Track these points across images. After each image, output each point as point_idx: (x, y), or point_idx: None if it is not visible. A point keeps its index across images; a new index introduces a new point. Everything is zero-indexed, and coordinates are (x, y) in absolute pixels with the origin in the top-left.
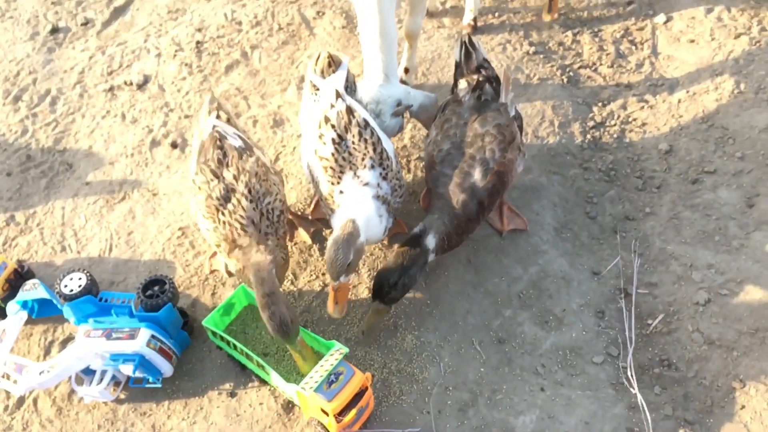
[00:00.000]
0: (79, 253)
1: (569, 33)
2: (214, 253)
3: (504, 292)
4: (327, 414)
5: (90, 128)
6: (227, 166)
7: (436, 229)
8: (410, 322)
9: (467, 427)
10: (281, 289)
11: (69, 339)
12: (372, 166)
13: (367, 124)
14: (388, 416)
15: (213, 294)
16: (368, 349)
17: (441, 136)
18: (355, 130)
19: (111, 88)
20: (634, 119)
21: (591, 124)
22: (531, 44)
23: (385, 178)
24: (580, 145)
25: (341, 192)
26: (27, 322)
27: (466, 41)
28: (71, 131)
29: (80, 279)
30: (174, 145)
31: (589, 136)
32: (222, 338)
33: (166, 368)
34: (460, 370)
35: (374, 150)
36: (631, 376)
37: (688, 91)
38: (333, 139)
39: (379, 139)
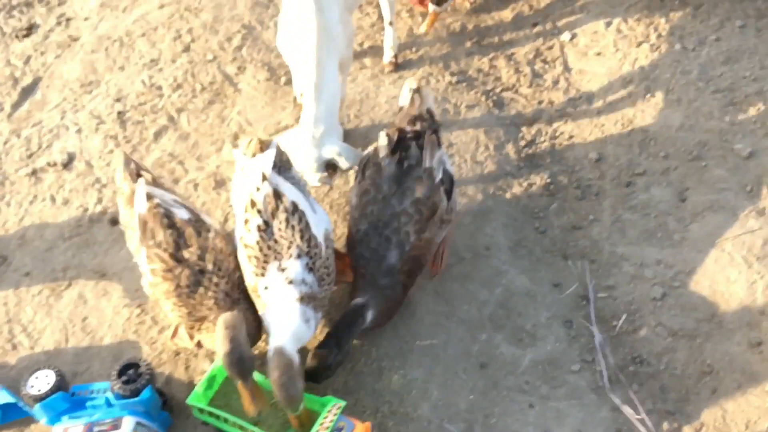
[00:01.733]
0: (33, 349)
1: (485, 59)
2: (175, 332)
3: (475, 317)
4: None
5: (18, 216)
6: (186, 246)
7: (374, 304)
8: (393, 362)
9: None
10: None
11: None
12: (299, 255)
13: (295, 208)
14: None
15: (187, 368)
16: (358, 397)
17: (359, 213)
18: (282, 215)
19: (34, 172)
20: (561, 133)
21: (523, 143)
22: (452, 74)
23: (311, 269)
24: (516, 164)
25: (266, 288)
26: None
27: (414, 87)
28: None
29: (47, 376)
30: (113, 222)
31: (523, 155)
32: (210, 414)
33: None
34: (451, 401)
35: (301, 237)
36: (607, 378)
37: (604, 101)
38: (258, 226)
39: (307, 224)
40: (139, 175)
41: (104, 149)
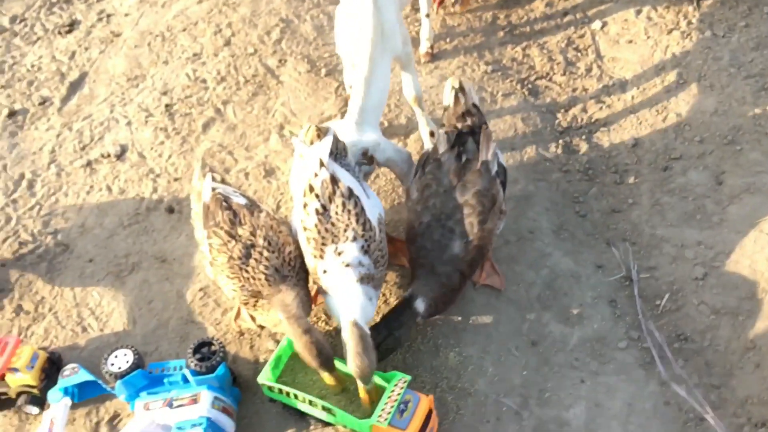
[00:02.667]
0: (102, 331)
1: (518, 48)
2: (238, 313)
3: (524, 297)
4: None
5: (77, 206)
6: (240, 224)
7: (424, 294)
8: (449, 341)
9: (526, 428)
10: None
11: (115, 417)
12: (354, 238)
13: (351, 193)
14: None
15: (252, 347)
16: (417, 373)
17: (421, 206)
18: (338, 200)
19: (89, 163)
20: (597, 120)
21: (559, 130)
22: (486, 63)
23: (366, 252)
24: (554, 151)
25: (325, 271)
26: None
27: (456, 86)
28: (57, 212)
29: (125, 355)
30: (170, 210)
31: (561, 142)
32: (280, 391)
33: (230, 426)
34: (506, 377)
35: (357, 221)
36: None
37: (638, 88)
38: (317, 210)
39: (362, 209)
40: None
41: (155, 141)
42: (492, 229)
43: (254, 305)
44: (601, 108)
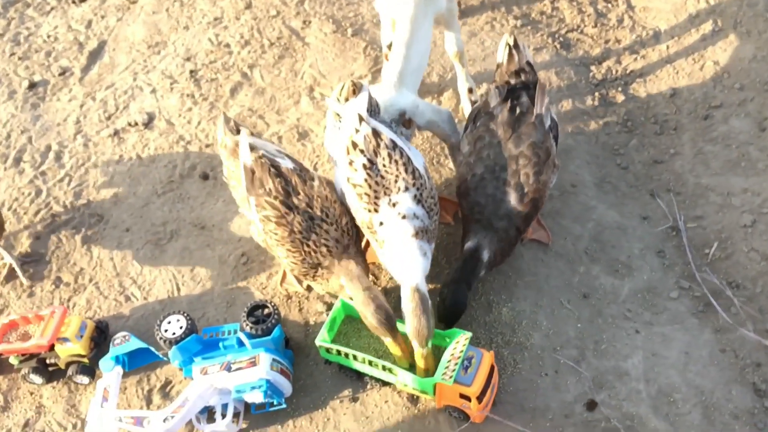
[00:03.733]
0: (146, 299)
1: (546, 2)
2: (284, 277)
3: (571, 251)
4: (467, 399)
5: (108, 175)
6: (296, 194)
7: (487, 246)
8: (500, 296)
9: (585, 379)
10: None
11: (167, 384)
12: (406, 188)
13: (395, 144)
14: (512, 386)
15: (300, 310)
16: (471, 329)
17: (474, 158)
18: (384, 152)
19: (116, 132)
20: (632, 71)
21: (594, 82)
22: (515, 18)
23: (419, 201)
24: (591, 104)
25: (381, 223)
26: None
27: (511, 43)
28: (88, 182)
29: (179, 321)
30: (205, 177)
31: (597, 94)
32: (338, 352)
33: (288, 388)
34: (560, 330)
35: (406, 170)
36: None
37: (673, 37)
38: (364, 165)
39: (409, 158)
40: (238, 130)
41: (182, 107)
42: (546, 181)
43: (313, 276)
44: (635, 59)
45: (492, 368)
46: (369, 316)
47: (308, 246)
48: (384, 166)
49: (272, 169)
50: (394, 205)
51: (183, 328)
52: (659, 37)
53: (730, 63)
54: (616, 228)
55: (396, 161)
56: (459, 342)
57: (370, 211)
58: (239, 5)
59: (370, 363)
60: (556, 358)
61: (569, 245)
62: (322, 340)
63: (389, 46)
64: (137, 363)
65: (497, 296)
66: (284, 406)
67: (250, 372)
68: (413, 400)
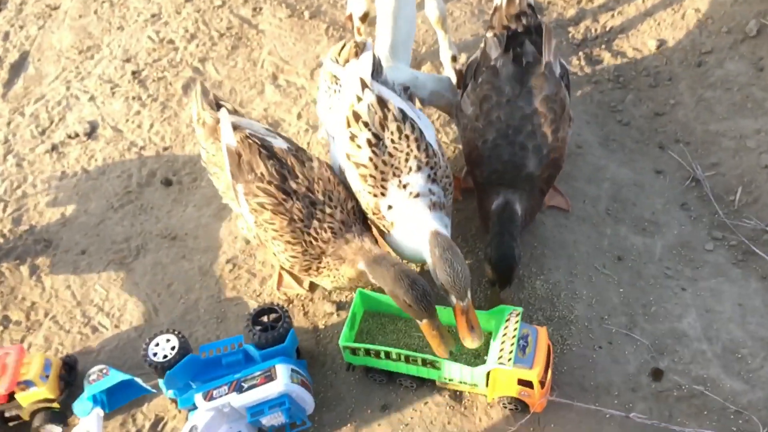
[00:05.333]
0: (118, 327)
1: None
2: (280, 279)
3: (593, 213)
4: (526, 385)
5: (51, 195)
6: (294, 177)
7: (518, 201)
8: (530, 270)
9: (642, 346)
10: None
11: (158, 422)
12: (418, 168)
13: (404, 115)
14: (565, 365)
15: (306, 314)
16: None
17: (483, 122)
18: (392, 125)
19: (53, 147)
20: (611, 28)
21: (575, 42)
22: None
23: (434, 180)
24: (577, 64)
25: (390, 207)
26: None
27: None
28: (27, 205)
29: (169, 341)
30: (167, 183)
31: (580, 54)
32: (367, 352)
33: (310, 402)
34: (603, 298)
35: (418, 147)
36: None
37: None
38: (369, 141)
39: (421, 132)
40: (219, 105)
41: (129, 112)
42: (564, 138)
43: (317, 269)
44: (612, 16)
45: (549, 346)
46: (403, 295)
47: (310, 234)
48: (393, 142)
49: (263, 151)
50: (405, 186)
51: (175, 349)
52: None
53: (711, 9)
54: (632, 185)
55: (407, 136)
56: (510, 320)
57: (376, 195)
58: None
59: (408, 359)
60: (606, 328)
61: (589, 208)
62: (346, 340)
63: (362, 18)
64: (119, 401)
65: (526, 270)
66: (308, 425)
67: (267, 388)
68: (457, 397)
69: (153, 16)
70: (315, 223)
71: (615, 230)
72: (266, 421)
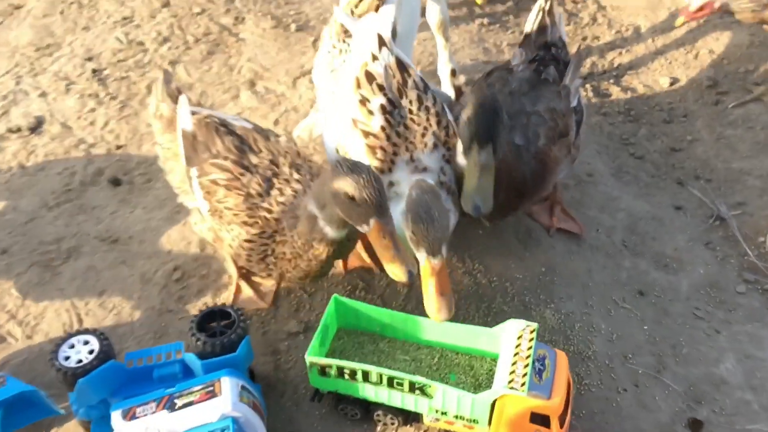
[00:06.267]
0: (30, 338)
1: (510, 3)
2: (237, 291)
3: (607, 243)
4: (544, 422)
5: None
6: (253, 151)
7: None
8: (538, 297)
9: (675, 393)
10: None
11: None
12: (435, 146)
13: (426, 85)
14: (584, 408)
15: (264, 333)
16: None
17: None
18: (412, 94)
19: None
20: (620, 65)
21: (581, 76)
22: (479, 17)
23: (449, 162)
24: (584, 95)
25: (392, 184)
26: None
27: (546, 8)
28: None
29: (88, 343)
30: (116, 182)
31: (588, 86)
32: (340, 373)
33: None
34: (625, 333)
35: (438, 123)
36: None
37: (656, 32)
38: (383, 107)
39: (443, 107)
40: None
41: (83, 109)
42: (558, 158)
43: (273, 253)
44: (620, 53)
45: (569, 377)
46: (344, 185)
47: (266, 209)
48: (410, 113)
49: (221, 128)
50: (413, 161)
51: (94, 353)
52: (641, 33)
53: (726, 50)
54: (650, 219)
55: (427, 108)
56: (523, 337)
57: (383, 171)
58: (154, 4)
59: (392, 381)
60: (630, 369)
61: (603, 237)
62: (314, 353)
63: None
64: (17, 423)
65: (533, 296)
66: None
67: (207, 408)
68: None
69: (124, 18)
70: (274, 192)
71: (634, 263)
72: None
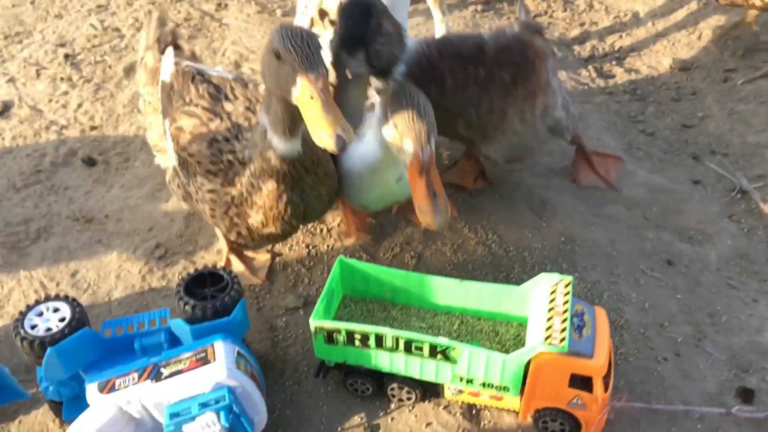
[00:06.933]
0: None
1: None
2: (227, 264)
3: (627, 215)
4: (585, 386)
5: None
6: (228, 99)
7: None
8: (560, 267)
9: (718, 361)
10: None
11: None
12: None
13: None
14: (623, 379)
15: (259, 309)
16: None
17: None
18: None
19: None
20: (621, 47)
21: (583, 57)
22: (473, 4)
23: None
24: (588, 75)
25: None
26: None
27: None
28: None
29: (58, 310)
30: (90, 162)
31: (590, 67)
32: (348, 337)
33: (262, 410)
34: (658, 303)
35: None
36: None
37: (655, 15)
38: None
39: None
40: (176, 47)
41: (55, 92)
42: (503, 109)
43: (233, 201)
44: (620, 37)
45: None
46: (269, 45)
47: (231, 153)
48: None
49: (198, 77)
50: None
51: (65, 321)
52: (640, 18)
53: (730, 31)
54: (669, 192)
55: None
56: (557, 291)
57: None
58: None
59: (410, 346)
60: (669, 337)
61: (622, 209)
62: (319, 317)
63: None
64: None
65: (554, 265)
66: None
67: (198, 376)
68: (472, 416)
69: (99, 6)
70: (246, 135)
71: (657, 235)
72: (197, 425)
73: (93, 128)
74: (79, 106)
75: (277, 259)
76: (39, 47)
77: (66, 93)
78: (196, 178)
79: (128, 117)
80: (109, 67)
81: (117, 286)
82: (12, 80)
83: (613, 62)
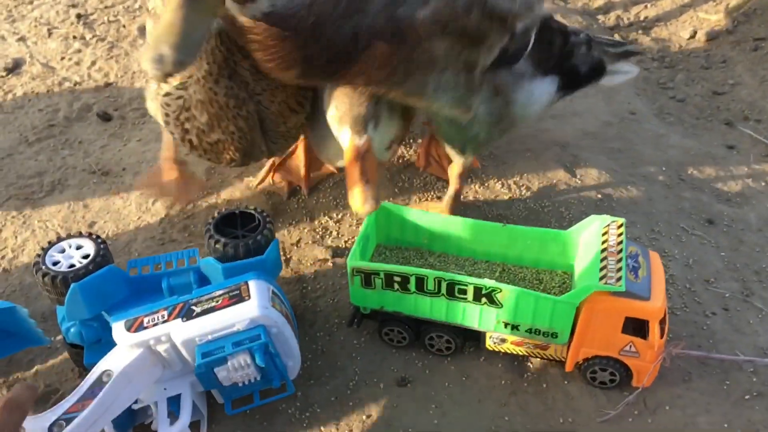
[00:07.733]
0: (8, 271)
1: None
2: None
3: (664, 177)
4: (639, 331)
5: None
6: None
7: None
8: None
9: None
10: None
11: (50, 392)
12: None
13: None
14: (672, 333)
15: (287, 260)
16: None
17: None
18: None
19: None
20: (646, 17)
21: (608, 26)
22: None
23: None
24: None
25: None
26: None
27: None
28: None
29: (81, 247)
30: (105, 117)
31: (616, 36)
32: (387, 281)
33: (295, 355)
34: (702, 260)
35: None
36: None
37: None
38: None
39: None
40: None
41: (67, 50)
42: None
43: (185, 104)
44: (646, 7)
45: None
46: None
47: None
48: None
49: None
50: None
51: (91, 256)
52: None
53: (758, 1)
54: (704, 155)
55: None
56: (609, 233)
57: None
58: None
59: (453, 289)
60: (715, 292)
61: (654, 169)
62: (356, 260)
63: None
64: None
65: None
66: (291, 391)
67: (232, 313)
68: (515, 368)
69: None
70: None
71: (695, 195)
72: (224, 375)
73: (108, 84)
74: (93, 63)
75: (298, 205)
76: (50, 7)
77: (79, 51)
78: (160, 85)
79: (144, 74)
80: (123, 26)
81: (137, 237)
82: (23, 39)
83: (639, 31)
